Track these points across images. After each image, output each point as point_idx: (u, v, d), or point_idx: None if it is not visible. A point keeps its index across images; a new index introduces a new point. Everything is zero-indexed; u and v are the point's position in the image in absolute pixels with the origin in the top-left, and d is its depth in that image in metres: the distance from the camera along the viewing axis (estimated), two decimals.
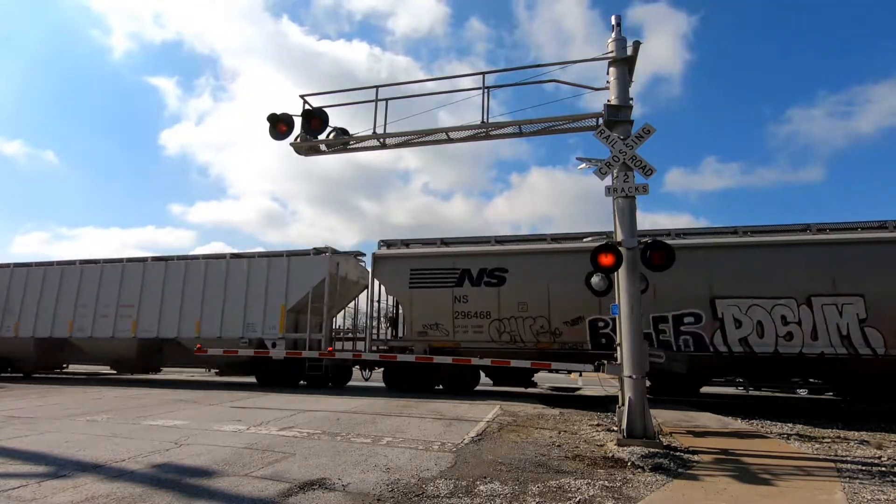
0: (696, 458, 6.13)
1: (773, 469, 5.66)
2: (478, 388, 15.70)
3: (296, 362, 13.74)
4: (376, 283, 13.80)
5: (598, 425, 8.24)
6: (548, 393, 14.38)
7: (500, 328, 12.31)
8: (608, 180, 7.04)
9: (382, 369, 14.40)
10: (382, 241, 14.01)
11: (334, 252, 14.58)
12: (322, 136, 8.68)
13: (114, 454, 5.71)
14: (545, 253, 12.45)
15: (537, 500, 4.38)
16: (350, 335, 16.43)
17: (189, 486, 4.58)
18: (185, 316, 14.78)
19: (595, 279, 7.30)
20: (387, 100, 8.47)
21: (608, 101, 7.36)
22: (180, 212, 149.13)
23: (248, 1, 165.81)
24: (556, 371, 12.81)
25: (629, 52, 7.31)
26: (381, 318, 14.61)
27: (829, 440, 7.57)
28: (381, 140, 8.51)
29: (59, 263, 16.76)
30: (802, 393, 15.44)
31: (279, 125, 8.66)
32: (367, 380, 15.65)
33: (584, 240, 12.19)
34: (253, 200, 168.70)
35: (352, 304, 16.97)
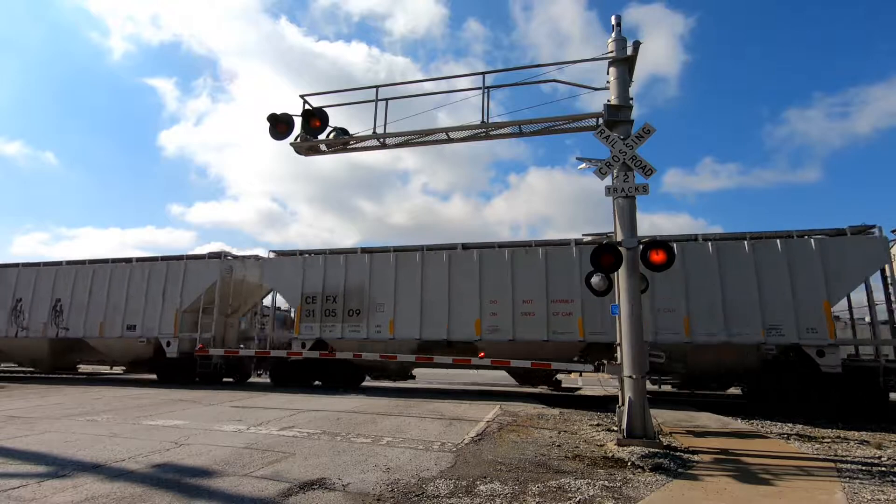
0: (696, 458, 6.13)
1: (773, 469, 5.66)
2: (478, 388, 15.73)
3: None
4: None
5: (598, 425, 8.24)
6: (548, 393, 14.38)
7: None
8: (608, 180, 7.05)
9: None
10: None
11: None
12: (322, 136, 8.68)
13: (114, 454, 5.71)
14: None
15: (537, 499, 4.38)
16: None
17: (189, 486, 4.58)
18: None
19: (595, 279, 7.30)
20: (387, 100, 8.46)
21: (608, 101, 7.36)
22: (179, 212, 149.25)
23: (246, 2, 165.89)
24: (557, 371, 12.83)
25: (629, 52, 7.31)
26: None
27: (829, 440, 7.57)
28: (381, 140, 8.50)
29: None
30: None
31: (279, 125, 8.65)
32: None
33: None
34: (252, 201, 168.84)
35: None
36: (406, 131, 8.39)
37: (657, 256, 6.59)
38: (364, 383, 15.50)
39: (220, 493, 4.42)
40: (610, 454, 6.06)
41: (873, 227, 10.75)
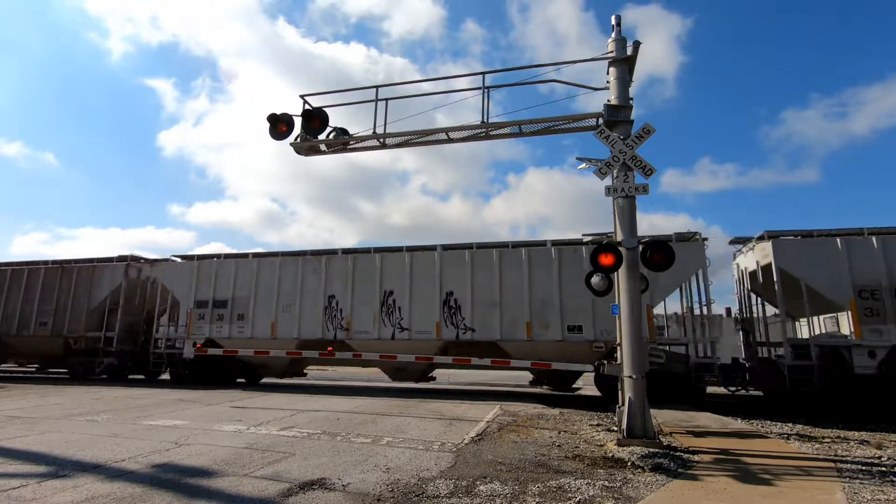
0: (696, 458, 6.13)
1: (773, 469, 5.66)
2: (479, 388, 15.73)
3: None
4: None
5: (598, 425, 8.24)
6: (548, 393, 14.38)
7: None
8: (608, 180, 7.04)
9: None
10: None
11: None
12: (322, 136, 8.67)
13: (114, 454, 5.71)
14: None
15: (537, 500, 4.38)
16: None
17: (189, 486, 4.58)
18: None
19: (595, 279, 7.30)
20: (387, 100, 8.46)
21: (608, 100, 7.35)
22: (179, 212, 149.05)
23: (244, 3, 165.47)
24: (557, 371, 12.82)
25: (629, 52, 7.31)
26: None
27: (829, 440, 7.57)
28: (382, 140, 8.50)
29: None
30: None
31: (279, 125, 8.65)
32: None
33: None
34: (252, 201, 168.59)
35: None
36: (406, 131, 8.39)
37: (657, 256, 6.60)
38: (353, 383, 15.49)
39: (220, 493, 4.42)
40: (610, 454, 6.05)
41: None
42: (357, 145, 8.82)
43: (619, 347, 6.84)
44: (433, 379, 15.34)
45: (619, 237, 6.89)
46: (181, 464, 5.35)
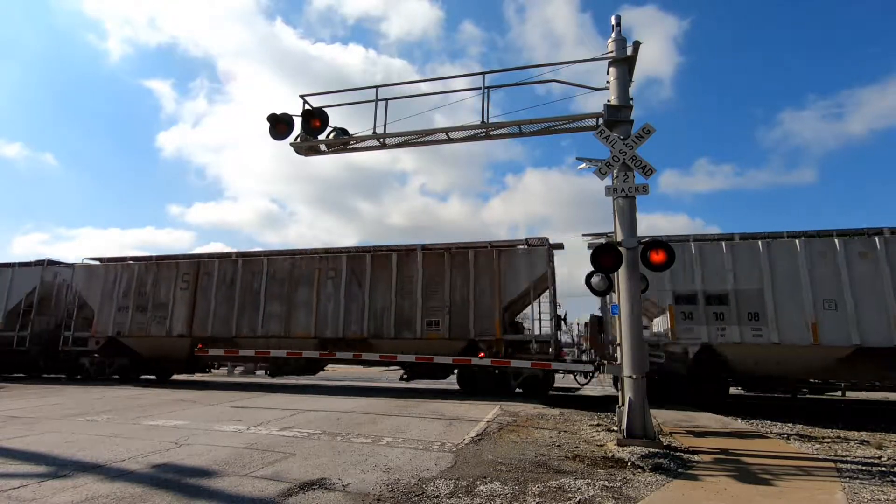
0: (696, 458, 6.13)
1: (773, 469, 5.66)
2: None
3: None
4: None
5: (598, 425, 8.24)
6: (548, 393, 14.34)
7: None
8: (608, 180, 7.04)
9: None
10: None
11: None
12: (322, 136, 8.67)
13: (114, 454, 5.71)
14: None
15: (537, 500, 4.38)
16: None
17: (189, 486, 4.58)
18: None
19: (595, 279, 7.30)
20: (387, 100, 8.46)
21: (608, 101, 7.35)
22: (179, 213, 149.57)
23: (242, 4, 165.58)
24: (558, 372, 12.84)
25: (629, 52, 7.31)
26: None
27: (829, 440, 7.57)
28: (381, 140, 8.50)
29: None
30: None
31: (279, 125, 8.65)
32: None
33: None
34: (251, 202, 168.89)
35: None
36: (406, 131, 8.39)
37: (657, 256, 6.59)
38: (354, 384, 15.45)
39: (220, 493, 4.42)
40: (610, 454, 6.06)
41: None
42: (357, 145, 8.82)
43: (619, 347, 6.84)
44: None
45: (619, 237, 6.88)
46: (181, 464, 5.35)
